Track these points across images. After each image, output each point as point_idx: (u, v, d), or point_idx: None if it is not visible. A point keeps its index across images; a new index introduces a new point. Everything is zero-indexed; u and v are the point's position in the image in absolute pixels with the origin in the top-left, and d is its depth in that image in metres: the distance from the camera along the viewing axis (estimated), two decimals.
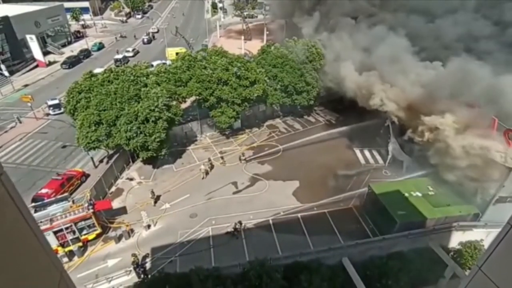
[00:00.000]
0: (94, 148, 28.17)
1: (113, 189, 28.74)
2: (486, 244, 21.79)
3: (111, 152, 30.84)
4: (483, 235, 22.16)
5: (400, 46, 30.08)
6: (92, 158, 30.70)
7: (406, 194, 24.05)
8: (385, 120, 31.10)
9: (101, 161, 31.54)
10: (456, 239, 22.60)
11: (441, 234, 22.42)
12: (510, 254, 4.02)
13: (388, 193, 24.25)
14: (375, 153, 32.84)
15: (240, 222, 24.10)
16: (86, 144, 27.30)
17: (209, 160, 31.24)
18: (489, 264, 4.25)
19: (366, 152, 32.95)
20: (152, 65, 41.75)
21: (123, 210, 26.39)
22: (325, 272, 19.68)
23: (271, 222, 25.17)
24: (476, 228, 22.61)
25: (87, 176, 29.59)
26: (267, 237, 23.86)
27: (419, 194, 24.14)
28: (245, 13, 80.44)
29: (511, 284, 4.03)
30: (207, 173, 30.24)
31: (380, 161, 31.77)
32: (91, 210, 22.52)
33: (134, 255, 21.13)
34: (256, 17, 79.55)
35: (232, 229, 23.89)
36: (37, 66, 56.32)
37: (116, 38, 70.73)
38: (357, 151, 33.07)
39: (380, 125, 32.51)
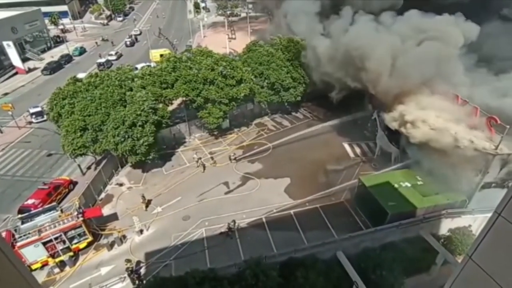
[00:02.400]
0: (81, 155, 27.62)
1: (102, 195, 28.23)
2: (474, 229, 22.41)
3: (98, 158, 30.26)
4: (471, 221, 22.77)
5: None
6: (79, 165, 30.06)
7: (396, 185, 24.49)
8: (372, 113, 31.58)
9: (88, 167, 30.92)
10: (446, 226, 23.15)
11: (431, 223, 22.93)
12: (498, 242, 4.13)
13: (378, 185, 24.62)
14: (363, 146, 33.28)
15: (233, 222, 24.05)
16: (72, 151, 26.73)
17: (200, 158, 31.07)
18: (478, 252, 4.36)
19: (355, 146, 33.35)
20: (136, 68, 41.13)
21: (114, 217, 25.95)
22: (320, 267, 19.86)
23: (264, 220, 25.21)
24: (464, 214, 23.21)
25: (75, 183, 28.98)
26: (261, 236, 23.89)
27: (408, 185, 24.60)
28: (228, 12, 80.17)
29: (500, 271, 4.14)
30: (204, 166, 30.46)
31: (369, 153, 32.22)
32: (81, 218, 22.08)
33: (128, 260, 20.82)
34: (240, 15, 79.26)
35: (226, 229, 23.83)
36: (16, 73, 54.77)
37: (96, 42, 69.10)
38: (346, 145, 33.43)
39: (368, 118, 33.00)
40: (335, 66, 32.03)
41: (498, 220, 4.02)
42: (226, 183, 28.97)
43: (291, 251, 20.93)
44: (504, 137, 20.77)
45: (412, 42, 27.42)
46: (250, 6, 75.63)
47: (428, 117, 24.44)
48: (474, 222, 22.70)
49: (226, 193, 28.07)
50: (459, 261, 20.52)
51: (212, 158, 31.94)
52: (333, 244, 21.69)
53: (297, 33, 38.75)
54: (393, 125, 27.45)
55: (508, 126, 20.62)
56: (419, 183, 24.86)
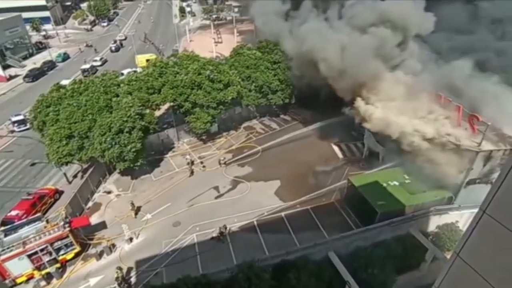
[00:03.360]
0: (66, 163, 27.00)
1: (90, 204, 27.63)
2: (461, 225, 22.90)
3: (85, 165, 29.64)
4: (458, 217, 23.26)
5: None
6: (65, 174, 29.38)
7: (384, 184, 24.83)
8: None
9: (75, 176, 30.24)
10: (434, 223, 23.59)
11: (420, 220, 23.32)
12: (484, 239, 4.23)
13: (367, 185, 24.92)
14: (352, 146, 33.66)
15: (225, 227, 23.90)
16: (57, 160, 26.11)
17: (192, 162, 30.89)
18: (465, 250, 4.44)
19: (343, 146, 33.70)
20: (122, 74, 40.60)
21: (102, 225, 25.42)
22: (312, 268, 19.94)
23: (255, 223, 25.14)
24: (451, 211, 23.70)
25: (61, 193, 28.27)
26: (253, 239, 23.81)
27: (397, 183, 24.98)
28: (213, 16, 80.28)
29: (486, 267, 4.22)
30: (192, 171, 30.28)
31: (357, 154, 32.59)
32: (68, 228, 21.54)
33: (118, 268, 20.40)
34: (226, 19, 79.40)
35: (218, 234, 23.65)
36: None
37: (80, 48, 67.85)
38: (334, 146, 33.75)
39: (355, 119, 33.37)
40: (299, 66, 32.89)
41: (483, 218, 4.11)
42: (216, 188, 28.79)
43: (283, 254, 20.93)
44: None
45: (358, 34, 28.63)
46: (236, 9, 75.88)
47: (374, 110, 26.06)
48: (461, 218, 23.21)
49: (217, 197, 27.89)
50: (448, 257, 20.95)
51: (201, 162, 31.72)
52: (325, 244, 21.80)
53: (269, 35, 39.14)
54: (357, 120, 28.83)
55: (489, 123, 21.24)
56: (407, 181, 25.28)
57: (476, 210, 4.28)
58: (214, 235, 23.83)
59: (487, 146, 21.98)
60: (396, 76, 27.46)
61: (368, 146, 31.27)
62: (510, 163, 3.97)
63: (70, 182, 29.48)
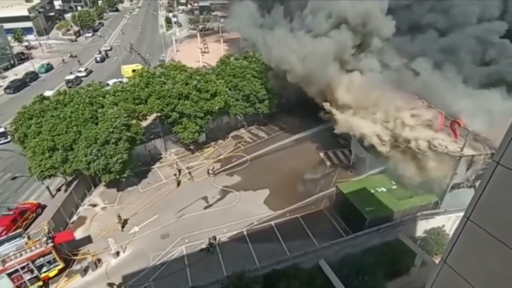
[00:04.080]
0: (49, 177, 26.24)
1: (74, 218, 26.86)
2: (447, 228, 23.29)
3: (69, 178, 28.85)
4: (444, 221, 23.66)
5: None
6: (48, 188, 28.49)
7: (372, 191, 25.10)
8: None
9: (58, 189, 29.36)
10: (421, 228, 23.92)
11: (408, 225, 23.62)
12: (469, 245, 4.31)
13: (355, 191, 25.14)
14: (339, 153, 34.01)
15: (214, 237, 23.58)
16: (40, 173, 25.35)
17: (179, 172, 30.58)
18: (452, 256, 4.52)
19: (331, 154, 34.01)
20: (108, 84, 40.09)
21: (87, 240, 24.70)
22: (303, 276, 19.80)
23: (245, 233, 24.92)
24: (438, 215, 24.09)
25: (44, 207, 27.37)
26: (243, 249, 23.56)
27: (384, 189, 25.29)
28: (200, 26, 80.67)
29: (472, 273, 4.29)
30: (179, 182, 29.99)
31: (345, 161, 32.93)
32: (51, 244, 20.80)
33: (110, 285, 19.79)
34: (212, 29, 79.84)
35: (207, 245, 23.30)
36: None
37: (63, 59, 66.65)
38: (322, 154, 34.03)
39: None
40: (275, 75, 34.21)
41: (468, 224, 4.19)
42: (205, 198, 28.49)
43: (274, 263, 20.76)
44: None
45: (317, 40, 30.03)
46: (222, 20, 76.42)
47: (336, 113, 27.94)
48: (447, 221, 23.61)
49: (206, 207, 27.58)
50: (436, 261, 21.22)
51: (189, 173, 31.40)
52: (315, 253, 21.76)
53: (252, 44, 39.79)
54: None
55: (470, 129, 21.88)
56: (393, 187, 25.64)
57: (461, 214, 4.38)
58: (203, 246, 23.47)
59: (469, 151, 22.59)
60: (352, 78, 28.69)
61: (355, 152, 31.66)
62: (491, 170, 4.09)
63: (53, 196, 28.59)
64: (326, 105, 30.05)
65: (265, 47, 35.80)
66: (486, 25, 34.25)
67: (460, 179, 23.47)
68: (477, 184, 23.13)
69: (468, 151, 22.45)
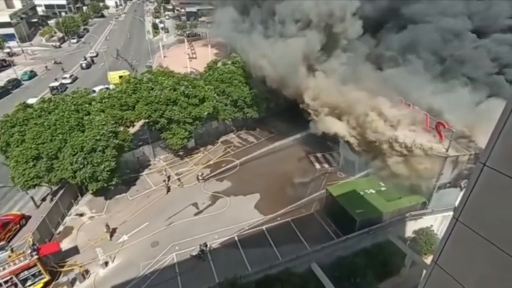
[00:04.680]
0: (34, 186, 25.46)
1: (60, 228, 26.13)
2: (435, 228, 23.71)
3: (55, 188, 28.13)
4: (432, 221, 24.08)
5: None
6: (32, 198, 27.69)
7: (361, 193, 25.37)
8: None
9: (43, 199, 28.59)
10: (410, 228, 24.27)
11: (397, 226, 23.93)
12: (458, 246, 4.38)
13: (345, 194, 25.35)
14: (328, 156, 34.29)
15: (205, 244, 23.34)
16: (23, 183, 24.59)
17: (168, 178, 30.28)
18: (443, 258, 4.58)
19: (320, 157, 34.26)
20: (94, 91, 39.44)
21: (74, 250, 24.02)
22: (296, 280, 19.79)
23: (236, 238, 24.75)
24: (426, 215, 24.51)
25: (28, 218, 26.55)
26: (235, 255, 23.38)
27: (373, 191, 25.60)
28: (187, 32, 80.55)
29: (463, 274, 4.37)
30: (168, 189, 29.67)
31: (334, 163, 33.22)
32: (36, 257, 20.12)
33: None
34: (200, 35, 79.78)
35: (198, 252, 23.03)
36: None
37: (46, 66, 65.20)
38: (311, 157, 34.24)
39: None
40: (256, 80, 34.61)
41: (457, 225, 4.27)
42: (195, 204, 28.20)
43: (266, 268, 20.66)
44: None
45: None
46: (209, 25, 76.55)
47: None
48: (435, 221, 24.05)
49: (196, 214, 27.30)
50: (426, 261, 21.53)
51: (179, 179, 31.08)
52: (307, 256, 21.77)
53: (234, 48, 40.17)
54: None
55: (454, 130, 22.42)
56: (382, 188, 25.99)
57: (448, 214, 4.47)
58: (194, 253, 23.18)
59: (453, 152, 23.12)
60: (317, 82, 29.42)
61: (343, 155, 31.99)
62: (477, 171, 4.19)
63: (38, 206, 27.80)
64: (303, 107, 30.96)
65: (243, 53, 36.18)
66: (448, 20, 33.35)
67: (446, 180, 23.97)
68: (462, 184, 23.71)
69: (451, 152, 22.97)
